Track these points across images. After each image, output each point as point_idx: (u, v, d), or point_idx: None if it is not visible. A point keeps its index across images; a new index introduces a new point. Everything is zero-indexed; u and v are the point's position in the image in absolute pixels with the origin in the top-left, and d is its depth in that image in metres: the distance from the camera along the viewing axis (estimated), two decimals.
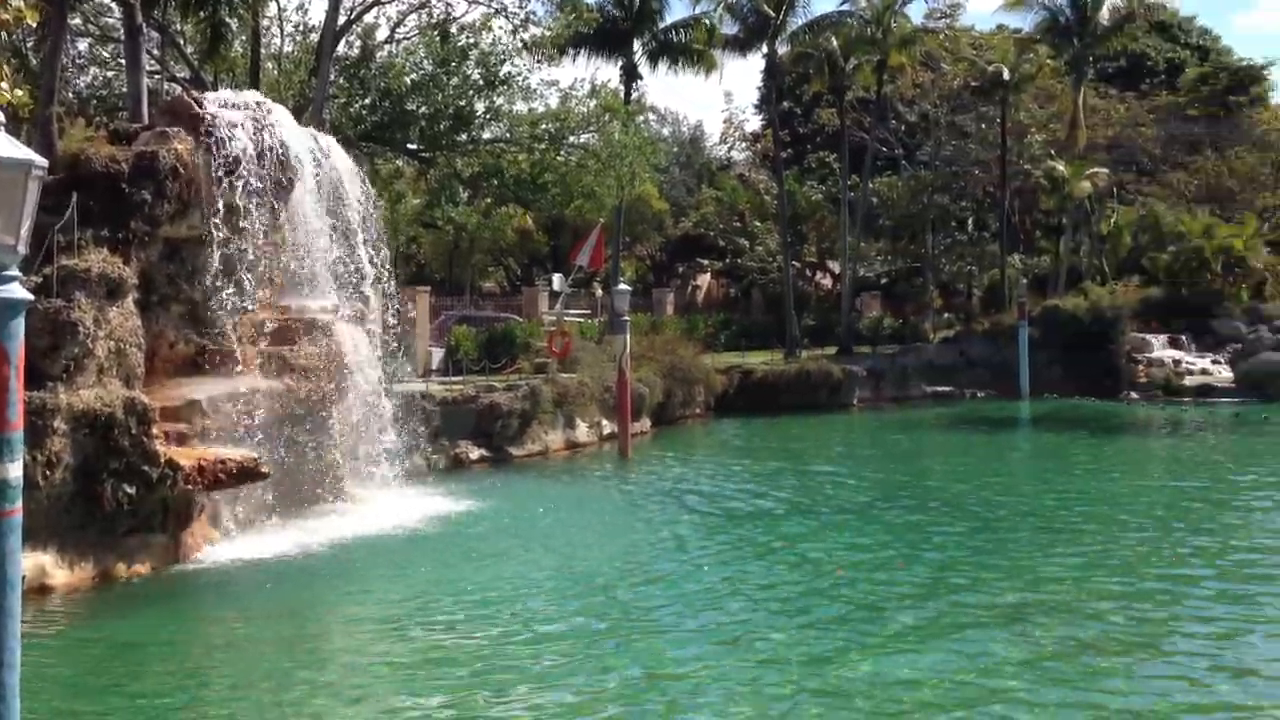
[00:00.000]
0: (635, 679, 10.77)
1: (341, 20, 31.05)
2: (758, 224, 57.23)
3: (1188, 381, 40.74)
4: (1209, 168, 55.57)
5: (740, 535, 18.05)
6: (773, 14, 44.67)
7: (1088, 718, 9.56)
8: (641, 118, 42.81)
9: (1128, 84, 61.12)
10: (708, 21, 45.04)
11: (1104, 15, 48.20)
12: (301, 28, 35.05)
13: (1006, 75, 47.90)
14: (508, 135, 34.50)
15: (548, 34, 34.03)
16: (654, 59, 44.97)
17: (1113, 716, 9.57)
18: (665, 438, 32.37)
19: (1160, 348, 43.03)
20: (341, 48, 32.70)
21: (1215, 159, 55.80)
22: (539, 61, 34.00)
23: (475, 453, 26.67)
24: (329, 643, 12.49)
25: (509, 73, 33.26)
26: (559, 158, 34.37)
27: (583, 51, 43.16)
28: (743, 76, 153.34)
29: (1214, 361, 42.23)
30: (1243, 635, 11.79)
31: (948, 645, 11.60)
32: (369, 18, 33.55)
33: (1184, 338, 44.04)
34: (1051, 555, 15.83)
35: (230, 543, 16.63)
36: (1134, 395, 40.22)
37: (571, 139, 34.74)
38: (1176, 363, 42.10)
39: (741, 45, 46.55)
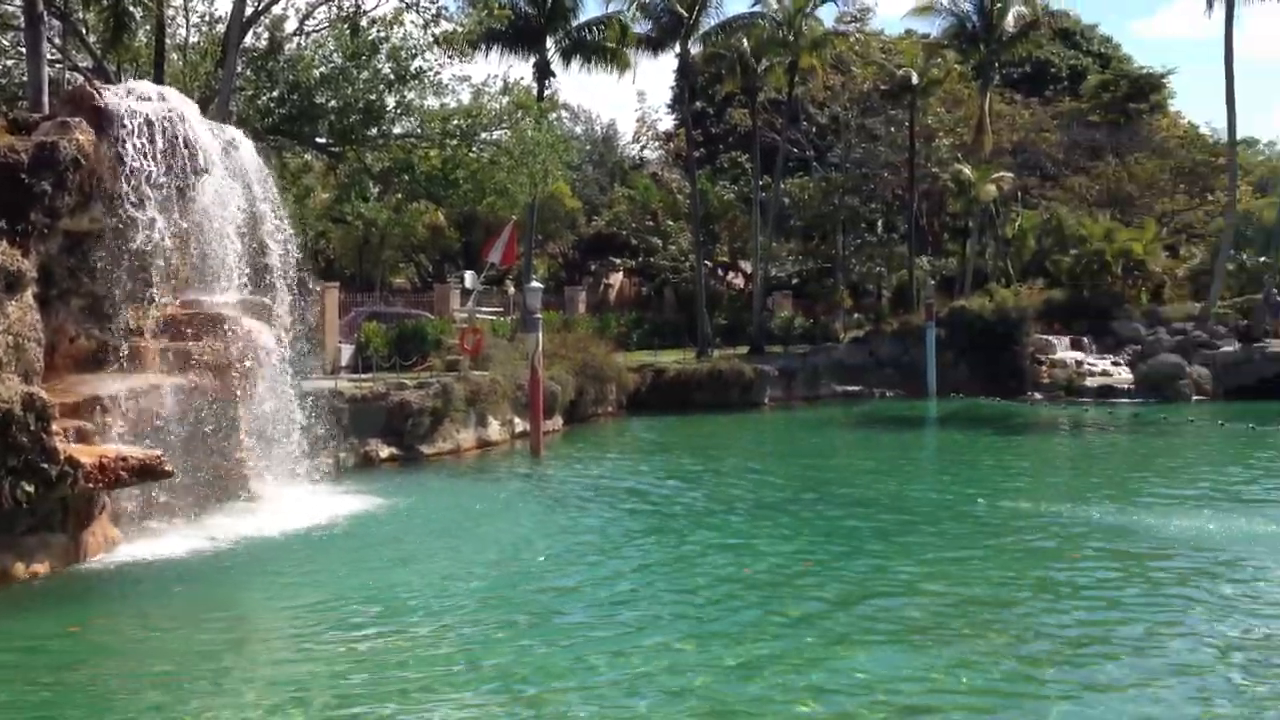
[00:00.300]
0: (545, 683, 10.69)
1: (249, 11, 30.51)
2: (670, 223, 57.42)
3: (1089, 382, 41.72)
4: (1110, 173, 56.95)
5: (653, 534, 18.04)
6: (685, 14, 44.86)
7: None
8: (554, 115, 42.69)
9: (1032, 90, 62.44)
10: (621, 20, 45.06)
11: (1009, 22, 49.17)
12: (207, 18, 34.38)
13: (915, 80, 48.64)
14: (419, 131, 34.15)
15: (460, 29, 33.75)
16: (567, 57, 44.89)
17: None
18: (577, 436, 32.34)
19: (1063, 349, 44.00)
20: (249, 39, 32.12)
21: (1116, 164, 57.21)
22: (451, 57, 33.69)
23: (385, 451, 26.38)
24: (235, 646, 12.23)
25: (420, 68, 32.91)
26: (471, 154, 34.11)
27: (495, 48, 42.91)
28: (656, 76, 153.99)
29: (1114, 363, 43.29)
30: (1125, 630, 12.08)
31: (865, 645, 11.71)
32: (277, 9, 33.00)
33: (1086, 339, 45.08)
34: (956, 552, 16.07)
35: (133, 542, 16.24)
36: (1037, 395, 41.06)
37: (484, 135, 34.48)
38: (1078, 364, 43.08)
39: (654, 45, 46.68)
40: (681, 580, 14.78)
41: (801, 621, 12.54)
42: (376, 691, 10.30)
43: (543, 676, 10.74)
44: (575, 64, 45.22)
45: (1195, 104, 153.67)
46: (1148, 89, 63.61)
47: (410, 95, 33.30)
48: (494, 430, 29.81)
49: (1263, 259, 49.35)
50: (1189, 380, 40.40)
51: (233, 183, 19.05)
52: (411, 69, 32.77)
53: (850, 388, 43.39)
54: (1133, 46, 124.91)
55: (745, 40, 46.15)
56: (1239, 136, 50.13)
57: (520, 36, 43.20)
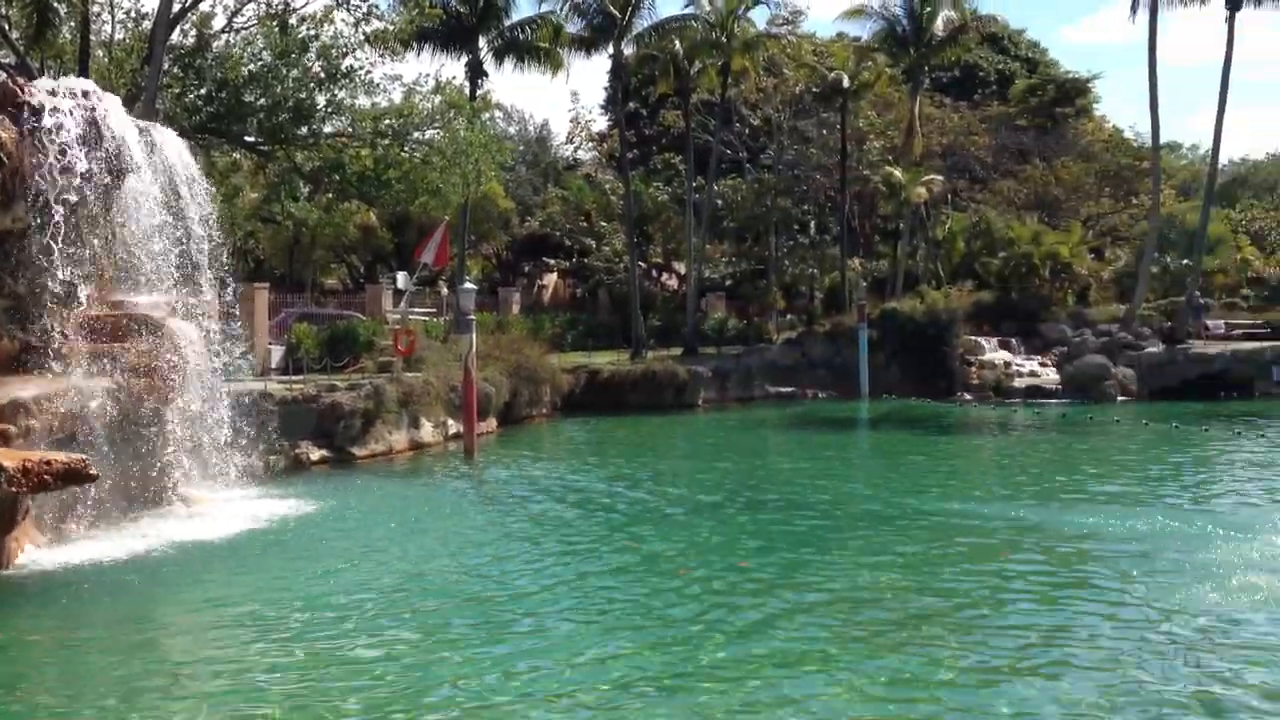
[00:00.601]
0: (478, 688, 10.62)
1: (175, 8, 30.03)
2: (604, 224, 57.40)
3: (1017, 383, 42.32)
4: (1037, 176, 57.76)
5: (587, 536, 18.01)
6: (619, 15, 44.86)
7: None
8: (487, 115, 42.53)
9: (961, 94, 63.19)
10: (554, 20, 44.96)
11: (938, 26, 49.74)
12: (134, 14, 33.76)
13: (846, 82, 49.02)
14: (350, 130, 33.82)
15: (391, 28, 33.48)
16: (500, 56, 44.73)
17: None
18: (511, 437, 32.22)
19: (992, 350, 44.60)
20: (176, 36, 31.63)
21: (1043, 168, 58.05)
22: (382, 56, 33.40)
23: (316, 453, 26.10)
24: (163, 651, 12.02)
25: (351, 66, 32.60)
26: (403, 154, 33.83)
27: (427, 47, 42.68)
28: (590, 76, 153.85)
29: (1042, 364, 43.96)
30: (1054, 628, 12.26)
31: (801, 650, 11.76)
32: (205, 6, 32.52)
33: (1014, 341, 45.73)
34: (886, 552, 16.21)
35: (58, 548, 15.91)
36: (967, 396, 41.57)
37: (416, 135, 34.22)
38: (1007, 365, 43.69)
39: (588, 45, 46.62)
40: (617, 583, 14.74)
41: (736, 624, 12.56)
42: (302, 698, 10.18)
43: (476, 682, 10.67)
44: (508, 64, 45.16)
45: (1120, 109, 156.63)
46: (1074, 94, 64.63)
47: (341, 94, 32.96)
48: (427, 432, 29.60)
49: (1185, 262, 50.33)
50: (1114, 381, 41.10)
51: (159, 181, 18.74)
52: (342, 68, 32.44)
53: (783, 389, 43.63)
54: (1060, 52, 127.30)
55: (678, 42, 46.25)
56: (1163, 141, 51.21)
57: (452, 36, 43.00)
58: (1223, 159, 58.71)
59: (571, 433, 34.04)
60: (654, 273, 60.17)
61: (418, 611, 13.26)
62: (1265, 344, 43.89)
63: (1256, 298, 54.95)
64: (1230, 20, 44.86)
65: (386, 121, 33.47)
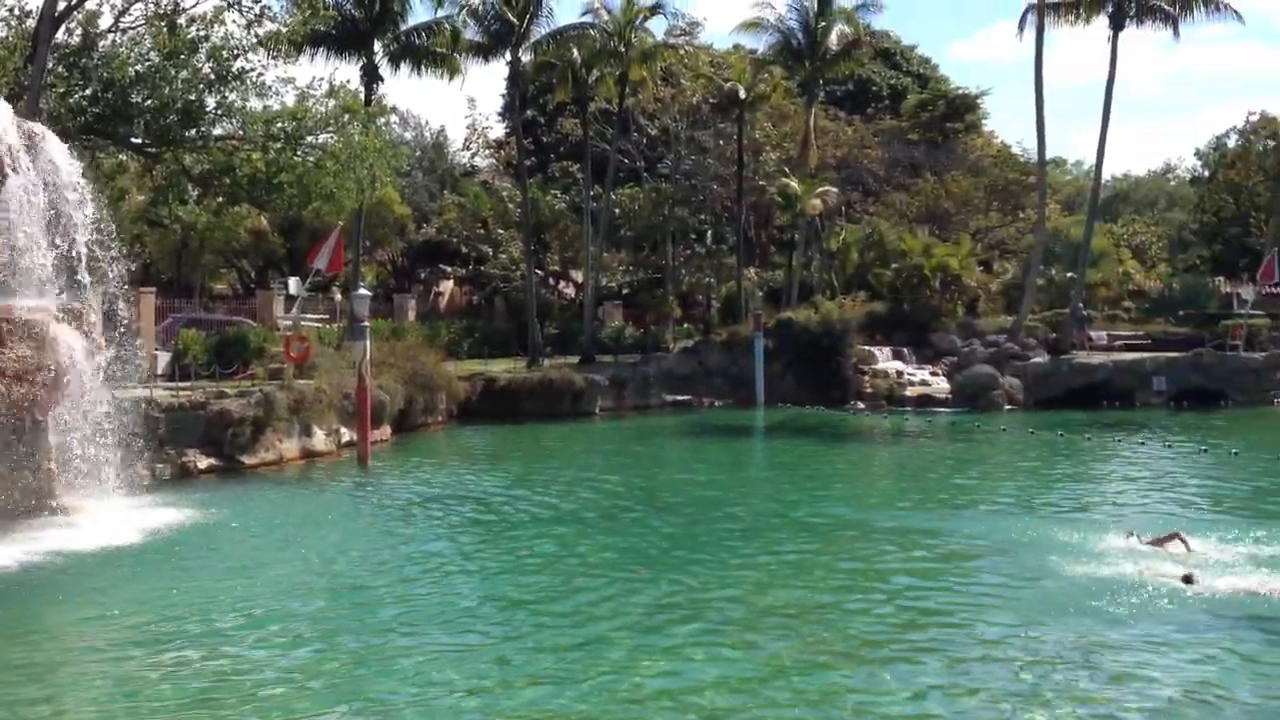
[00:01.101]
0: (362, 698, 10.48)
1: (61, 6, 29.23)
2: (501, 231, 57.13)
3: (909, 392, 43.03)
4: (928, 190, 58.85)
5: (482, 544, 17.90)
6: (516, 22, 44.72)
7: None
8: (383, 120, 41.92)
9: (855, 108, 64.14)
10: (452, 25, 44.62)
11: (833, 40, 50.48)
12: (16, 12, 32.72)
13: (743, 94, 49.45)
14: (241, 133, 33.16)
15: (284, 30, 32.94)
16: (396, 61, 44.23)
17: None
18: (407, 446, 31.89)
19: (884, 360, 45.31)
20: (60, 34, 30.75)
21: (934, 182, 59.15)
22: (275, 58, 32.84)
23: (204, 462, 25.55)
24: (43, 666, 11.65)
25: (243, 68, 31.98)
26: (296, 157, 33.25)
27: (321, 50, 42.05)
28: (487, 83, 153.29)
29: (932, 373, 44.76)
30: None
31: (696, 648, 11.80)
32: (91, 4, 31.68)
33: (906, 350, 46.50)
34: (778, 558, 16.42)
35: None
36: (860, 405, 42.14)
37: (309, 139, 33.67)
38: (899, 374, 44.40)
39: (485, 51, 46.36)
40: (511, 590, 14.67)
41: (629, 630, 12.57)
42: (185, 712, 9.95)
43: (360, 691, 10.55)
44: (404, 69, 44.62)
45: (1009, 125, 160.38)
46: (963, 109, 66.01)
47: (232, 96, 32.29)
48: (319, 440, 29.14)
49: (1070, 274, 51.65)
50: (1002, 390, 42.01)
51: (42, 183, 18.20)
52: (233, 69, 31.80)
53: (680, 397, 43.82)
54: (950, 68, 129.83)
55: (576, 50, 46.25)
56: (1049, 156, 52.53)
57: (347, 39, 42.43)
58: (1106, 175, 60.58)
59: (468, 441, 33.79)
60: (551, 281, 60.05)
61: (306, 620, 13.05)
62: (1146, 355, 45.29)
63: (1138, 310, 56.68)
64: (1113, 39, 46.21)
65: (279, 125, 32.88)
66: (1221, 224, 58.45)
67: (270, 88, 32.83)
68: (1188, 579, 13.77)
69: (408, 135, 68.17)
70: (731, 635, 12.24)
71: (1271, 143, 55.36)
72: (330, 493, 23.56)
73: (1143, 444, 30.89)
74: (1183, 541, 14.98)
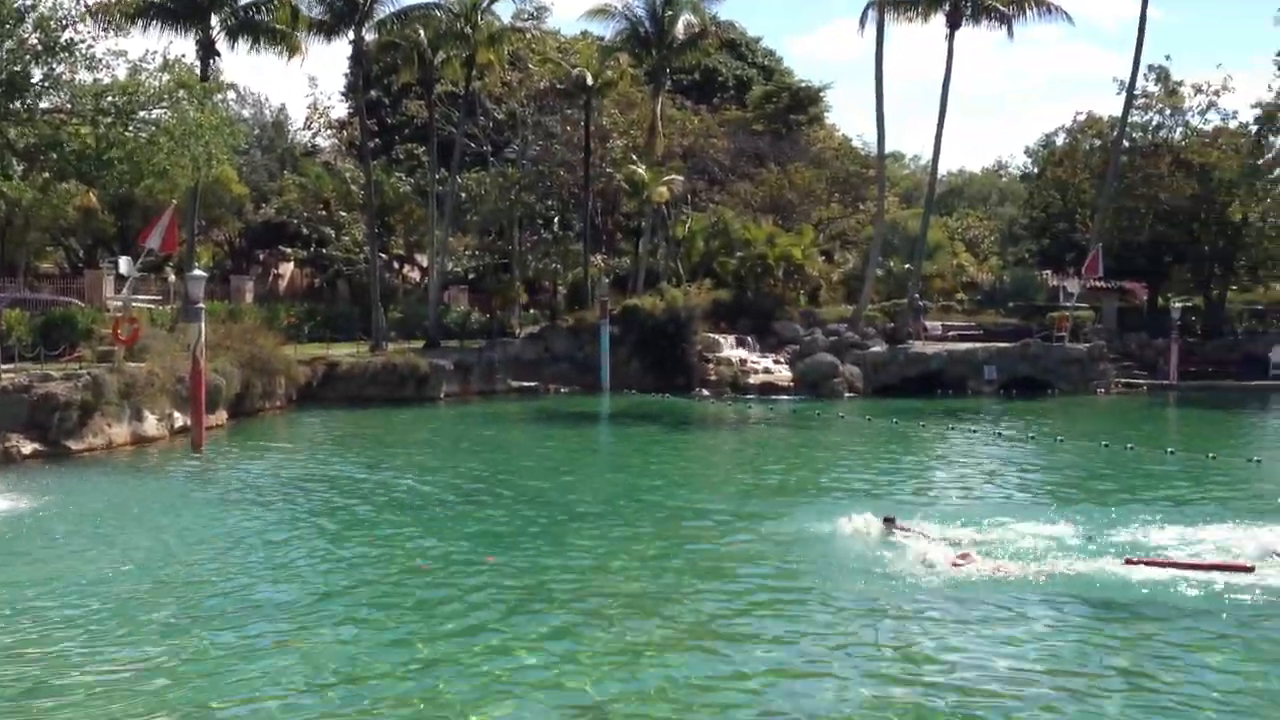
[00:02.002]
0: (190, 686, 10.21)
1: None
2: (344, 213, 56.05)
3: (753, 380, 43.64)
4: (772, 180, 59.68)
5: (316, 531, 17.55)
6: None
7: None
8: (219, 96, 40.62)
9: (701, 97, 64.69)
10: (292, 2, 43.49)
11: (679, 30, 50.74)
12: None
13: (590, 80, 49.40)
14: (69, 106, 31.81)
15: (115, 1, 31.72)
16: (234, 36, 42.91)
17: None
18: (243, 431, 31.11)
19: (729, 347, 45.85)
20: None
21: (778, 172, 60.01)
22: (106, 30, 31.62)
23: (28, 447, 24.58)
24: None
25: (71, 39, 30.69)
26: (127, 133, 32.02)
27: (155, 23, 40.60)
28: (330, 61, 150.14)
29: (776, 361, 45.46)
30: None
31: (538, 633, 11.78)
32: None
33: (750, 338, 47.13)
34: (612, 543, 16.58)
35: None
36: (705, 392, 42.59)
37: (142, 114, 32.46)
38: (743, 362, 45.00)
39: (327, 29, 45.35)
40: (342, 578, 14.46)
41: (458, 618, 12.50)
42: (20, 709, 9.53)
43: (189, 677, 10.27)
44: (243, 44, 43.31)
45: (850, 118, 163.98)
46: (806, 102, 67.16)
47: (60, 68, 30.94)
48: (151, 425, 28.23)
49: (907, 266, 53.01)
50: (842, 378, 42.94)
51: None
52: (61, 40, 30.47)
53: (526, 383, 43.67)
54: (794, 61, 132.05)
55: (422, 31, 45.59)
56: (888, 150, 53.80)
57: (182, 12, 41.04)
58: (941, 170, 62.25)
59: (306, 426, 33.10)
60: (395, 264, 59.20)
61: (130, 608, 12.65)
62: (978, 345, 46.82)
63: (970, 301, 58.53)
64: (950, 38, 47.50)
65: (110, 99, 31.61)
66: (1050, 219, 60.52)
67: (100, 60, 31.56)
68: (964, 557, 14.71)
69: (246, 113, 66.27)
70: (566, 619, 12.29)
71: (1097, 142, 57.52)
72: (160, 479, 22.84)
73: (974, 431, 31.90)
74: (964, 559, 15.39)
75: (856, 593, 13.57)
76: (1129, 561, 14.73)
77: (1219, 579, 14.01)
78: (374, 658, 11.03)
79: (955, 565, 14.43)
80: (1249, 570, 14.33)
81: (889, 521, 16.12)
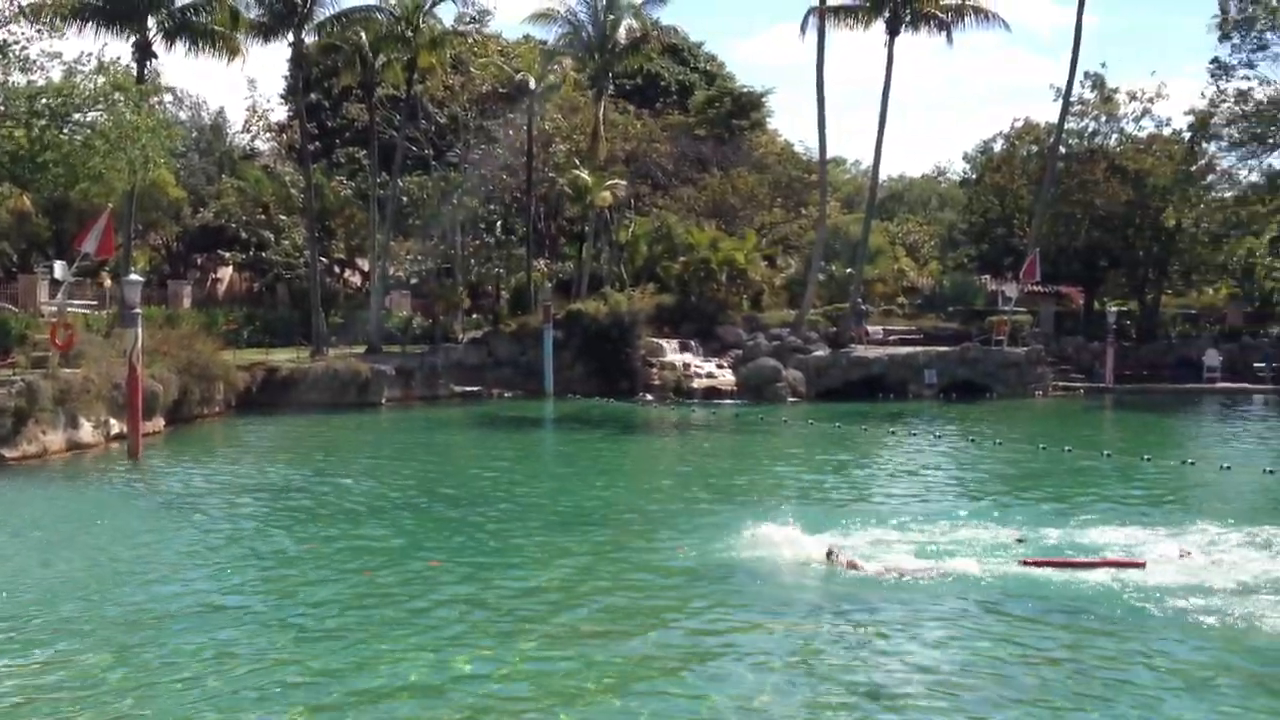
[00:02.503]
0: (132, 695, 10.07)
1: None
2: (284, 217, 55.45)
3: (696, 384, 43.70)
4: (715, 185, 59.87)
5: (257, 538, 17.37)
6: (299, 1, 43.45)
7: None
8: (157, 99, 40.17)
9: (644, 102, 64.73)
10: (230, 4, 42.99)
11: (622, 34, 50.80)
12: None
13: (532, 84, 49.33)
14: (2, 108, 31.29)
15: (49, 2, 31.24)
16: (171, 38, 42.32)
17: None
18: (181, 438, 30.72)
19: (672, 352, 45.88)
20: None
21: (721, 177, 60.21)
22: (40, 30, 31.08)
23: None
24: None
25: (4, 40, 30.20)
26: (62, 135, 31.56)
27: (91, 24, 39.98)
28: (270, 64, 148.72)
29: (719, 365, 45.55)
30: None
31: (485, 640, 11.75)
32: None
33: (693, 343, 47.20)
34: (550, 550, 16.61)
35: None
36: (648, 397, 42.59)
37: (77, 116, 32.02)
38: (686, 366, 45.05)
39: (267, 31, 44.84)
40: (279, 585, 14.34)
41: (405, 621, 12.43)
42: None
43: (126, 688, 10.13)
44: (180, 46, 42.73)
45: (792, 124, 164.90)
46: (749, 107, 67.41)
47: None
48: (87, 432, 27.80)
49: (849, 270, 53.38)
50: (785, 383, 43.12)
51: None
52: None
53: (469, 388, 43.47)
54: (736, 66, 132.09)
55: (363, 34, 45.27)
56: (829, 156, 54.10)
57: (118, 13, 40.41)
58: (882, 175, 62.78)
59: (246, 432, 32.73)
60: (336, 269, 58.68)
61: (67, 619, 12.45)
62: (919, 349, 47.25)
63: (911, 306, 59.03)
64: (890, 44, 47.93)
65: (44, 101, 31.13)
66: (988, 225, 61.22)
67: (35, 62, 31.10)
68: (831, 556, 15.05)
69: (183, 115, 65.52)
70: (501, 627, 12.29)
71: (1035, 148, 58.25)
72: (97, 487, 22.51)
73: (913, 435, 32.18)
74: (853, 566, 15.46)
75: (752, 596, 13.80)
76: (1025, 563, 15.06)
77: (1113, 576, 14.46)
78: (313, 662, 10.93)
79: (852, 568, 14.68)
80: (1141, 566, 14.82)
81: (830, 555, 15.95)
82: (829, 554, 15.01)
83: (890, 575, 14.47)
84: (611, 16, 50.06)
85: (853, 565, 14.71)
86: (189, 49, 42.80)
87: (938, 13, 48.06)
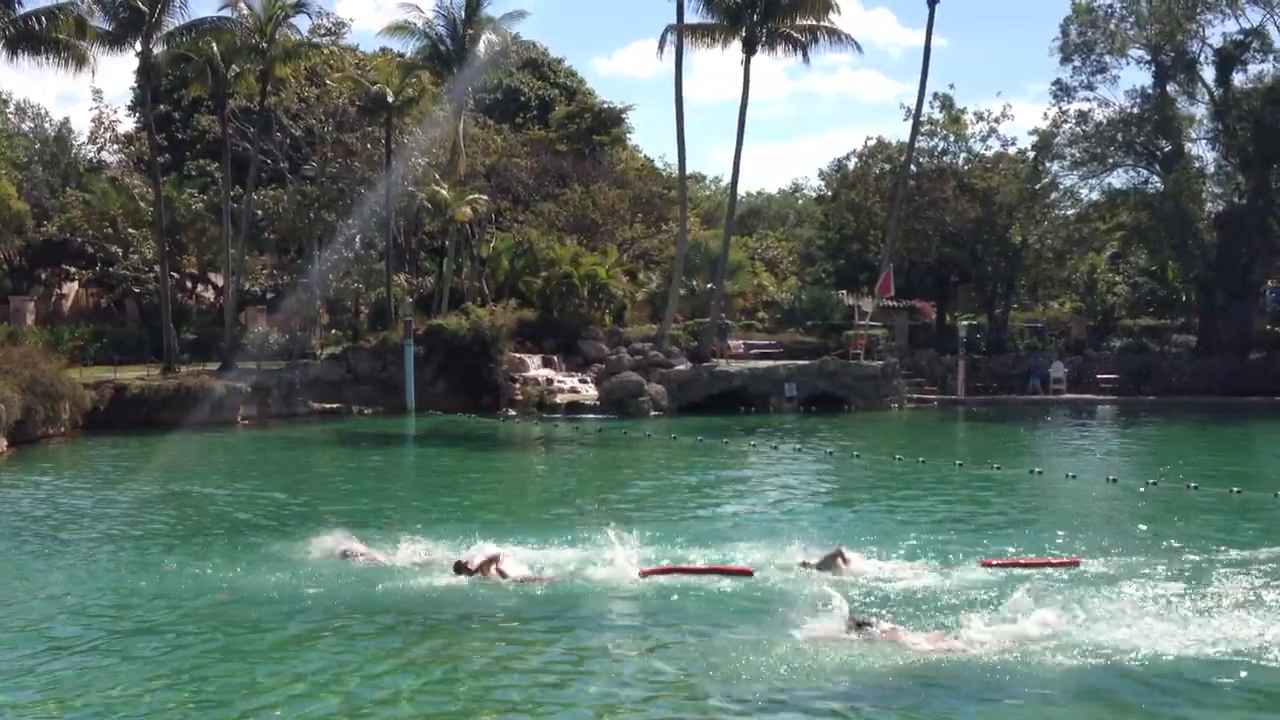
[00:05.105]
0: None
1: None
2: (132, 231, 53.76)
3: (559, 399, 43.63)
4: (576, 200, 59.90)
5: (100, 564, 16.74)
6: (146, 10, 42.24)
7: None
8: None
9: (504, 116, 64.60)
10: (75, 12, 41.56)
11: (480, 48, 50.59)
12: None
13: (390, 97, 48.80)
14: None
15: None
16: (12, 47, 40.76)
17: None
18: (24, 459, 29.57)
19: (535, 367, 45.77)
20: None
21: (582, 193, 60.29)
22: None
23: None
24: None
25: None
26: None
27: None
28: (118, 74, 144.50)
29: (582, 380, 45.57)
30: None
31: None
32: None
33: (556, 358, 47.16)
34: None
35: None
36: (511, 412, 42.39)
37: None
38: (549, 381, 44.97)
39: (114, 40, 43.45)
40: (122, 610, 13.91)
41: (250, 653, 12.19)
42: None
43: None
44: (23, 56, 41.18)
45: (652, 140, 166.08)
46: (609, 123, 67.70)
47: None
48: None
49: (710, 285, 53.94)
50: (648, 397, 43.33)
51: None
52: None
53: (329, 404, 42.75)
54: (596, 82, 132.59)
55: (214, 44, 44.19)
56: (689, 172, 54.71)
57: None
58: (741, 191, 63.67)
59: (93, 453, 31.65)
60: (188, 284, 57.20)
61: None
62: (779, 363, 47.97)
63: (771, 320, 59.96)
64: (746, 63, 48.61)
65: None
66: (844, 240, 62.47)
67: None
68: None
69: (25, 126, 63.22)
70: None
71: (887, 166, 59.68)
72: None
73: (775, 448, 32.61)
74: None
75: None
76: (643, 573, 15.30)
77: (724, 583, 14.95)
78: (140, 691, 10.66)
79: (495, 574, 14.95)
80: (749, 574, 15.28)
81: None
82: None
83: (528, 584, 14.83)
84: (470, 31, 49.82)
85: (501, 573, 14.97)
86: (32, 58, 41.29)
87: (793, 32, 48.90)
